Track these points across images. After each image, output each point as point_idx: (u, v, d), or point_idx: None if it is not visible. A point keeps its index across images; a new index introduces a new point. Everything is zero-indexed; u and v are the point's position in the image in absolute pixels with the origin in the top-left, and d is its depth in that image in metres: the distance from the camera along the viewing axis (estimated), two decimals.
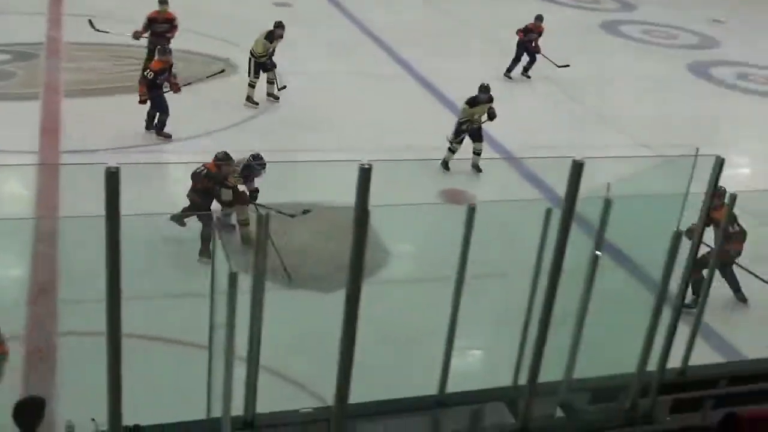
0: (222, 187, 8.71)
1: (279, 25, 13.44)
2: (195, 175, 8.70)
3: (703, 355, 7.26)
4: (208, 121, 12.07)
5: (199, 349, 5.93)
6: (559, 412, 4.72)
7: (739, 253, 8.52)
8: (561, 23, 20.81)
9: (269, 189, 9.11)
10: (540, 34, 15.68)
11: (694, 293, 8.02)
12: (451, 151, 11.49)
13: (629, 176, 6.55)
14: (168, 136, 11.57)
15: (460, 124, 11.52)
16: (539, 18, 15.77)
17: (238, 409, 4.44)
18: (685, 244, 4.10)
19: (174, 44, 15.06)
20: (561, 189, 3.96)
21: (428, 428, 4.91)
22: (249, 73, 13.24)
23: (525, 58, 15.80)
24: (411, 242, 9.66)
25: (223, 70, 13.60)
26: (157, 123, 11.63)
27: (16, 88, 12.61)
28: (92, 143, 10.71)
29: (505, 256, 8.62)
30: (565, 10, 22.47)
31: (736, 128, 14.87)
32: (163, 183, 10.30)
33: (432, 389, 4.93)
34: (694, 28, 21.46)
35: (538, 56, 15.66)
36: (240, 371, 4.46)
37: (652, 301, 4.37)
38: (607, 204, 4.64)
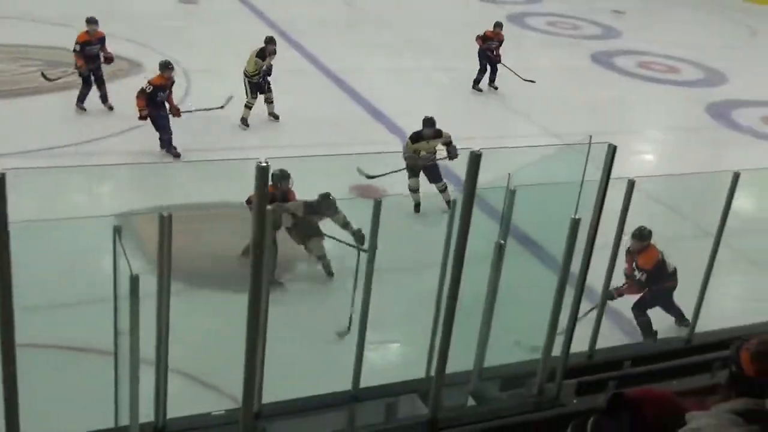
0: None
1: (270, 41, 12.59)
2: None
3: (617, 339, 7.53)
4: (115, 123, 11.79)
5: (106, 355, 5.81)
6: (471, 401, 4.79)
7: (674, 287, 8.03)
8: (468, 17, 21.16)
9: (184, 189, 9.02)
10: (500, 42, 14.87)
11: (643, 333, 7.83)
12: (412, 190, 10.35)
13: (532, 164, 6.66)
14: (177, 155, 10.91)
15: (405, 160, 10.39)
16: (498, 25, 14.90)
17: (149, 415, 4.37)
18: (584, 229, 4.19)
19: (64, 43, 14.76)
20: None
21: (343, 423, 4.91)
22: (246, 93, 12.45)
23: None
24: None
25: (222, 107, 12.17)
26: (161, 141, 10.98)
27: None
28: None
29: (417, 248, 8.71)
30: (471, 4, 22.81)
31: (639, 115, 15.36)
32: (64, 187, 10.01)
33: (347, 385, 4.95)
34: (597, 19, 22.04)
35: (501, 66, 14.90)
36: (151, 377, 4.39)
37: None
38: (511, 194, 4.73)
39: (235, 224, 9.07)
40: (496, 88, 14.96)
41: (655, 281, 7.90)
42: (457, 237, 3.70)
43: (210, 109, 11.72)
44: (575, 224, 4.14)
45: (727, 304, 8.89)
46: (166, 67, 10.94)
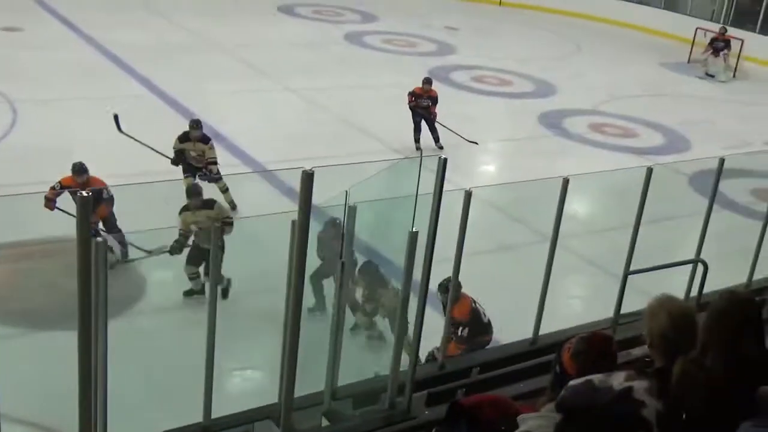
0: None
1: (193, 125, 10.50)
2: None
3: None
4: None
5: None
6: (325, 422, 4.77)
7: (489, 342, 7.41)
8: (305, 37, 21.29)
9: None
10: (433, 99, 13.79)
11: None
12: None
13: (371, 179, 6.68)
14: None
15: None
16: (426, 81, 13.84)
17: None
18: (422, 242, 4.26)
19: None
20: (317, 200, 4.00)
21: None
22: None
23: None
24: (166, 268, 9.34)
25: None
26: None
27: None
28: None
29: (265, 269, 8.60)
30: (308, 24, 22.96)
31: (476, 127, 15.75)
32: None
33: (198, 416, 4.81)
34: (432, 36, 22.65)
35: (439, 125, 13.95)
36: None
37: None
38: (351, 210, 4.74)
39: (64, 257, 8.68)
40: (441, 147, 13.68)
41: (474, 334, 7.13)
42: (296, 257, 3.68)
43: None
44: (413, 237, 4.20)
45: (569, 305, 9.31)
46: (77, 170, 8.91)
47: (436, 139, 13.82)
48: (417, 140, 13.78)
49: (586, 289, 10.08)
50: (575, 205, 10.60)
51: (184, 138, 10.39)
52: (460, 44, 22.13)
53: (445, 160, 4.03)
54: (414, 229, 4.18)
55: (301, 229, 3.62)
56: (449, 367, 5.43)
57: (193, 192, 8.59)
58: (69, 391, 6.40)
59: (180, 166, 10.58)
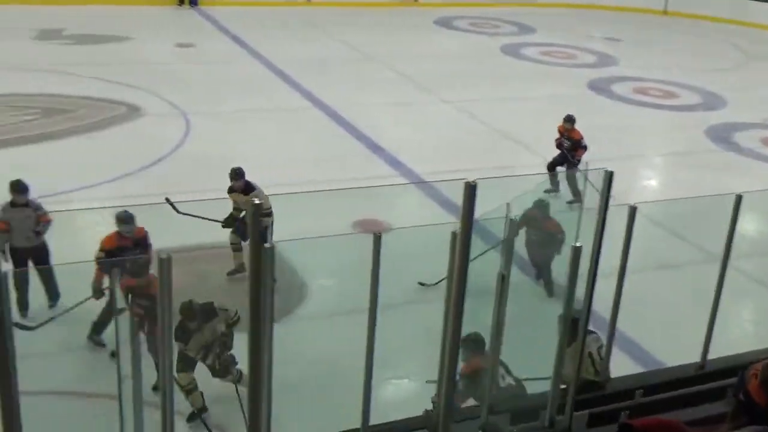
0: None
1: (234, 175, 9.25)
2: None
3: (626, 367, 7.43)
4: (117, 166, 11.77)
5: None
6: None
7: None
8: (461, 49, 21.33)
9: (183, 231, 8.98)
10: (573, 141, 11.82)
11: None
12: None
13: (531, 193, 6.61)
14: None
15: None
16: (567, 119, 11.96)
17: None
18: (586, 256, 4.15)
19: (79, 92, 14.88)
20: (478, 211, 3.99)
21: None
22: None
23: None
24: (329, 275, 9.58)
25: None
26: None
27: None
28: None
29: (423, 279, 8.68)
30: (464, 36, 23.00)
31: (638, 140, 15.33)
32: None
33: (356, 422, 4.88)
34: (592, 47, 22.16)
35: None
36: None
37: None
38: (511, 223, 4.70)
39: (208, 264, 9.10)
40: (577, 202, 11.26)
41: None
42: (457, 269, 3.66)
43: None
44: (576, 252, 4.09)
45: (739, 328, 8.83)
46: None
47: (574, 193, 11.41)
48: (550, 167, 12.05)
49: (757, 312, 9.53)
50: (746, 224, 10.05)
51: (229, 190, 9.29)
52: (622, 55, 21.53)
53: (611, 173, 3.91)
54: (577, 244, 4.07)
55: (462, 241, 3.60)
56: (611, 388, 5.26)
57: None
58: (230, 391, 6.73)
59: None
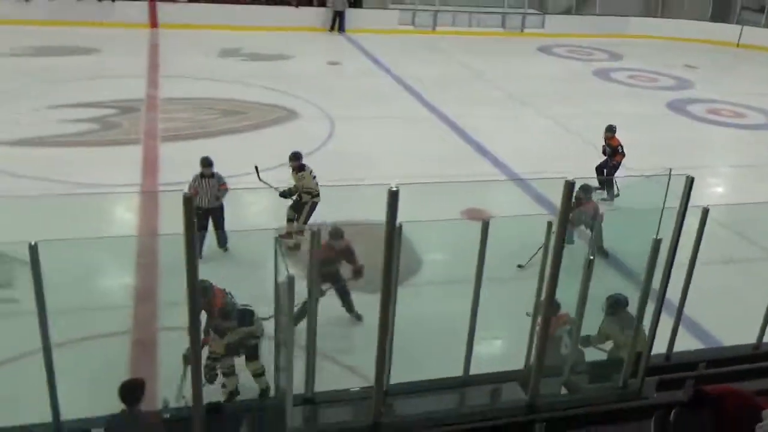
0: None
1: (293, 157, 9.47)
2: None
3: (689, 344, 7.13)
4: (277, 157, 12.11)
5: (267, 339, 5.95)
6: (564, 391, 4.64)
7: None
8: (559, 72, 20.79)
9: (329, 210, 9.17)
10: (612, 148, 11.37)
11: None
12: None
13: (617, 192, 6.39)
14: None
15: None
16: (608, 129, 11.50)
17: (299, 388, 4.45)
18: (663, 250, 4.00)
19: (251, 98, 15.39)
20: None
21: (455, 404, 4.85)
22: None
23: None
24: (439, 252, 9.59)
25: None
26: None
27: (122, 135, 12.86)
28: (183, 177, 10.87)
29: (517, 260, 8.55)
30: (562, 62, 22.40)
31: (709, 153, 14.60)
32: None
33: (458, 372, 4.90)
34: (672, 73, 21.17)
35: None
36: (301, 359, 4.47)
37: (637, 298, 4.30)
38: (600, 217, 4.59)
39: (370, 238, 9.16)
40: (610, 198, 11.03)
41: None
42: (553, 254, 3.61)
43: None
44: (657, 244, 3.95)
45: None
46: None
47: (611, 196, 10.91)
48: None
49: None
50: None
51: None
52: (698, 80, 20.47)
53: (692, 179, 3.75)
54: (658, 237, 3.93)
55: (559, 232, 3.54)
56: (676, 359, 5.06)
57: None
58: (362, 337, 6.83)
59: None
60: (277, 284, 4.54)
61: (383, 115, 15.07)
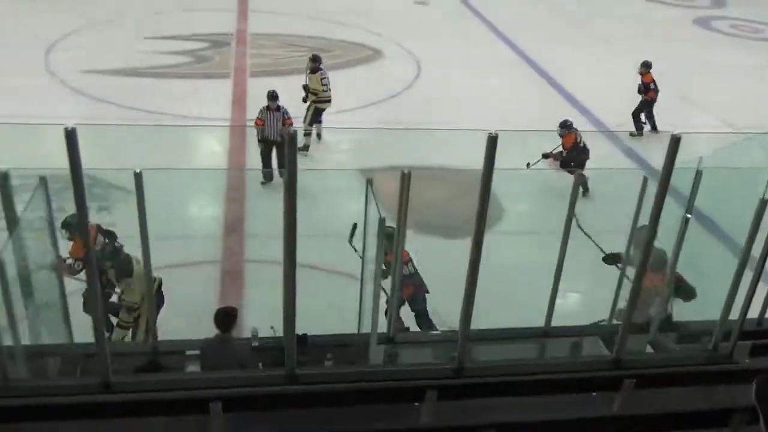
0: None
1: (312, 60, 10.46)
2: None
3: None
4: (360, 98, 12.14)
5: (353, 279, 6.06)
6: (649, 349, 4.58)
7: None
8: (659, 20, 19.75)
9: (408, 154, 9.14)
10: (645, 83, 11.76)
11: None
12: None
13: (715, 152, 6.08)
14: None
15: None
16: (643, 64, 11.95)
17: (382, 327, 4.54)
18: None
19: (337, 36, 15.32)
20: (655, 162, 3.78)
21: (535, 354, 4.86)
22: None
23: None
24: (524, 202, 9.47)
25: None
26: None
27: (214, 69, 13.10)
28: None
29: (607, 217, 8.34)
30: (665, 9, 21.24)
31: None
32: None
33: (540, 322, 4.88)
34: None
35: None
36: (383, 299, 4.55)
37: (734, 262, 4.14)
38: (698, 175, 4.41)
39: (450, 184, 9.15)
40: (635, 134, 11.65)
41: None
42: (653, 207, 3.50)
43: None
44: (763, 205, 3.78)
45: None
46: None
47: (652, 126, 11.54)
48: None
49: None
50: None
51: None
52: None
53: None
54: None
55: (660, 188, 3.42)
56: None
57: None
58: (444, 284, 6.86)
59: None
60: (365, 224, 4.60)
61: (470, 59, 14.75)
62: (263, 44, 14.62)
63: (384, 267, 5.36)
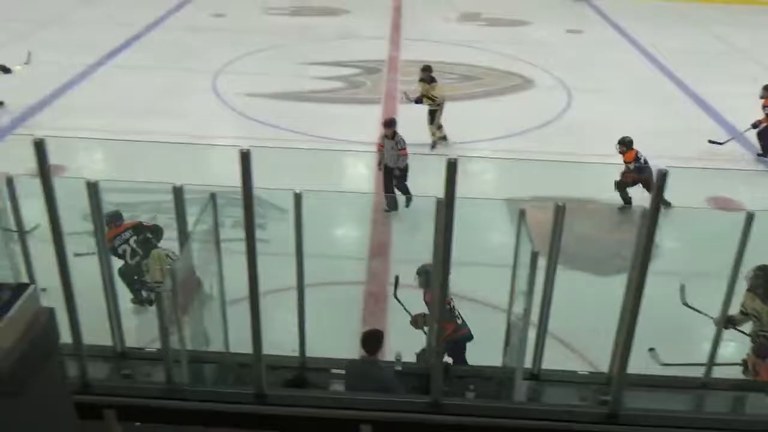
0: None
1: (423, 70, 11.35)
2: None
3: None
4: (509, 126, 12.05)
5: (499, 310, 5.97)
6: None
7: None
8: None
9: (556, 185, 8.94)
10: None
11: None
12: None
13: None
14: None
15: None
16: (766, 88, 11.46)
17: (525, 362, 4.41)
18: None
19: (488, 63, 15.34)
20: None
21: (691, 406, 4.53)
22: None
23: None
24: (681, 241, 8.95)
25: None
26: None
27: (365, 94, 13.49)
28: (420, 139, 11.25)
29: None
30: None
31: None
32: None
33: (697, 371, 4.56)
34: None
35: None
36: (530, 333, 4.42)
37: None
38: None
39: (598, 218, 8.82)
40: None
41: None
42: None
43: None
44: None
45: None
46: None
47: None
48: None
49: None
50: None
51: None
52: None
53: None
54: None
55: None
56: None
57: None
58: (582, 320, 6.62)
59: None
60: (516, 255, 4.51)
61: (626, 90, 14.24)
62: (413, 71, 14.88)
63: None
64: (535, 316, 4.61)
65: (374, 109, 12.58)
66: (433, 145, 11.05)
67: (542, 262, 4.19)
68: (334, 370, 4.63)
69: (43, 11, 18.16)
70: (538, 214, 4.49)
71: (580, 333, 6.47)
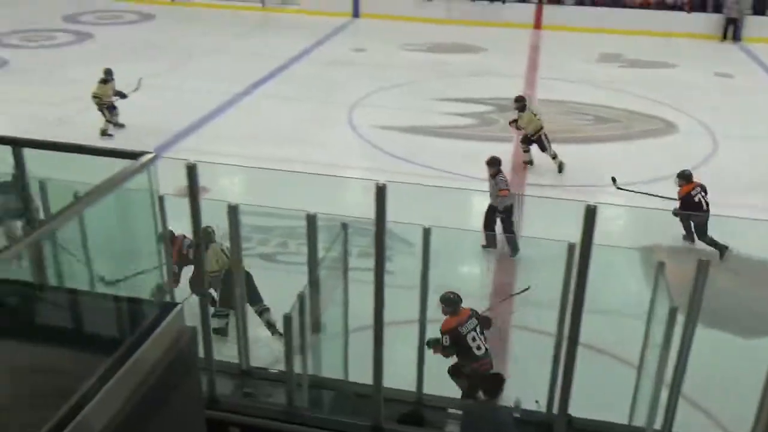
0: None
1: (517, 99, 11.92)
2: None
3: None
4: (647, 171, 11.55)
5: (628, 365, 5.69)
6: None
7: None
8: None
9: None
10: None
11: None
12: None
13: None
14: None
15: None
16: None
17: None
18: None
19: (625, 105, 14.88)
20: None
21: None
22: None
23: None
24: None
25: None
26: None
27: (497, 132, 13.42)
28: (553, 180, 11.05)
29: None
30: None
31: None
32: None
33: None
34: None
35: None
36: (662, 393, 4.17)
37: None
38: None
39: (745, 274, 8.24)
40: None
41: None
42: None
43: None
44: None
45: None
46: None
47: None
48: None
49: None
50: None
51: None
52: None
53: None
54: None
55: None
56: None
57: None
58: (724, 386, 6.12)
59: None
60: (651, 308, 4.30)
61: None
62: (548, 111, 14.66)
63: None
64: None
65: (506, 146, 12.47)
66: (560, 169, 11.39)
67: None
68: (450, 410, 4.57)
69: (205, 42, 19.55)
70: (674, 266, 4.24)
71: (723, 399, 6.02)
